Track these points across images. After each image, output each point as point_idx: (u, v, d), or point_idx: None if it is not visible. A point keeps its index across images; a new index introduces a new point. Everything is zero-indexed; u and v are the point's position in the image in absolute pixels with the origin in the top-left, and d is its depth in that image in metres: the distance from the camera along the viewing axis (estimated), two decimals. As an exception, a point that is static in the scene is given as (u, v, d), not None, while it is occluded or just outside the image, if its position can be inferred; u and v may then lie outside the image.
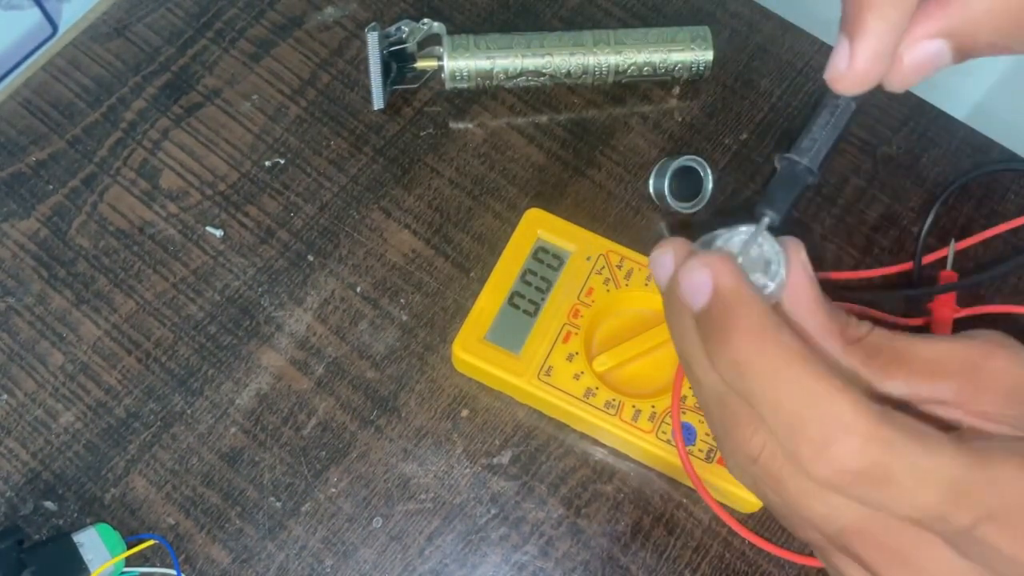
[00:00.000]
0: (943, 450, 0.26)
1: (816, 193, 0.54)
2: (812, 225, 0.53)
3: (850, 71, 0.28)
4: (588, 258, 0.50)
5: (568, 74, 0.55)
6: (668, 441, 0.46)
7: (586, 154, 0.56)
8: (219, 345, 0.50)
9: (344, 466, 0.48)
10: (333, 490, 0.48)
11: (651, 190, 0.53)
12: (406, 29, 0.55)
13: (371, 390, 0.50)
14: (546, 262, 0.50)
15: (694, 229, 0.52)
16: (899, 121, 0.57)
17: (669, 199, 0.52)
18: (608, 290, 0.49)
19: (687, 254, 0.29)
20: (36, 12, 0.57)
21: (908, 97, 0.57)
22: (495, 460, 0.48)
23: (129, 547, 0.45)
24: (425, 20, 0.56)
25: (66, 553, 0.43)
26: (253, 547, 0.46)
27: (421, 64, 0.55)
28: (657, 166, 0.53)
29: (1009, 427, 0.28)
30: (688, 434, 0.45)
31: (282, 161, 0.55)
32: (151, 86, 0.56)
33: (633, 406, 0.47)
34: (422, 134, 0.56)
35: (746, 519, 0.47)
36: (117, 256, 0.52)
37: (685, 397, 0.47)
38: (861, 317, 0.31)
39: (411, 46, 0.55)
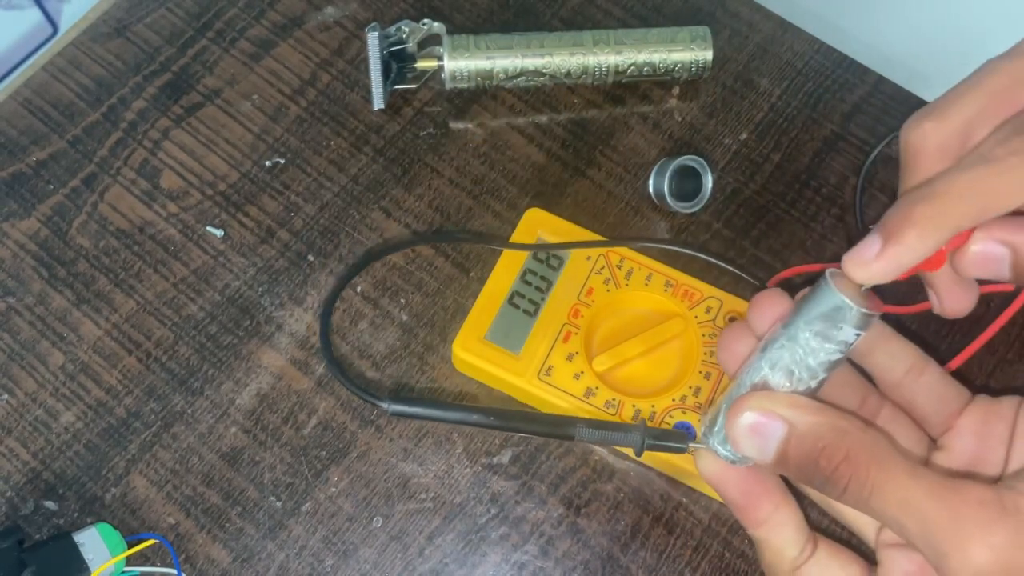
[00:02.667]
0: None
1: (816, 193, 0.54)
2: (812, 225, 0.53)
3: (873, 266, 0.31)
4: (588, 258, 0.50)
5: (568, 74, 0.55)
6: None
7: (586, 154, 0.56)
8: (219, 345, 0.50)
9: (344, 466, 0.48)
10: (333, 490, 0.48)
11: (651, 190, 0.53)
12: (406, 29, 0.55)
13: (371, 390, 0.50)
14: (546, 262, 0.50)
15: (695, 229, 0.52)
16: (899, 121, 0.57)
17: (669, 199, 0.52)
18: (608, 290, 0.49)
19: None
20: (36, 12, 0.57)
21: (908, 97, 0.58)
22: (495, 460, 0.48)
23: (129, 547, 0.45)
24: (425, 20, 0.56)
25: (67, 553, 0.43)
26: (253, 547, 0.46)
27: (421, 64, 0.55)
28: (657, 166, 0.53)
29: None
30: (689, 434, 0.45)
31: (282, 161, 0.55)
32: (151, 86, 0.56)
33: (633, 405, 0.47)
34: (422, 134, 0.56)
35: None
36: (117, 256, 0.52)
37: (685, 397, 0.47)
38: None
39: (411, 46, 0.55)
